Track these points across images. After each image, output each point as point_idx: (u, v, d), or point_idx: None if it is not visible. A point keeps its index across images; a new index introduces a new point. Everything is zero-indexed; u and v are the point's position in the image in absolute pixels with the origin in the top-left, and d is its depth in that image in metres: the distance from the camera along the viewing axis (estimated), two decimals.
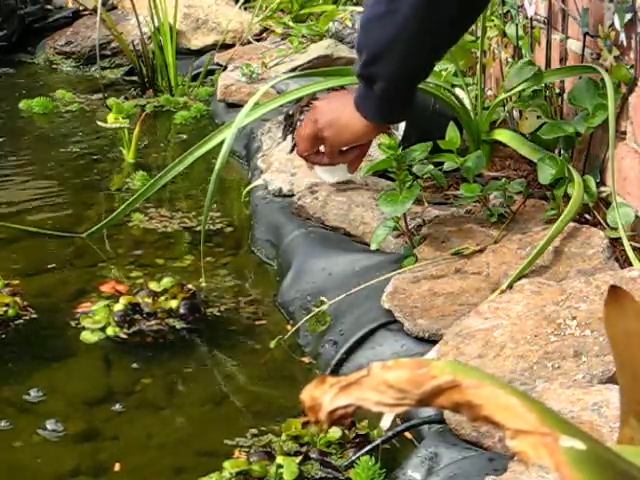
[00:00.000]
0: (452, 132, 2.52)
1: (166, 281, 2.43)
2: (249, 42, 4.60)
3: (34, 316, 2.39)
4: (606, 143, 2.37)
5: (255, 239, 2.82)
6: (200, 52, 4.88)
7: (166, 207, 3.13)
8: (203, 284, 2.56)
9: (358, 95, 2.25)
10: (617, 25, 2.27)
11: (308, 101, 3.18)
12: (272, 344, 2.25)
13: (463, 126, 2.74)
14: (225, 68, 4.32)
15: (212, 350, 2.31)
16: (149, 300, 2.36)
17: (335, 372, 2.12)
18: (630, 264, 2.13)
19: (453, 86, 2.92)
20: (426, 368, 0.55)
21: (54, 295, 2.56)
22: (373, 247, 2.32)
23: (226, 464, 1.78)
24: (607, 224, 2.30)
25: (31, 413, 2.03)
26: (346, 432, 1.85)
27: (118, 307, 2.34)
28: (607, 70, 2.33)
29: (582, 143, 2.53)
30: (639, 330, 0.71)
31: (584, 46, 2.51)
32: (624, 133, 2.33)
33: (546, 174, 2.42)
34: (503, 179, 2.47)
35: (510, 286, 2.04)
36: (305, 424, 1.87)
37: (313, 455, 1.81)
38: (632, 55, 2.26)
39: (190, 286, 2.43)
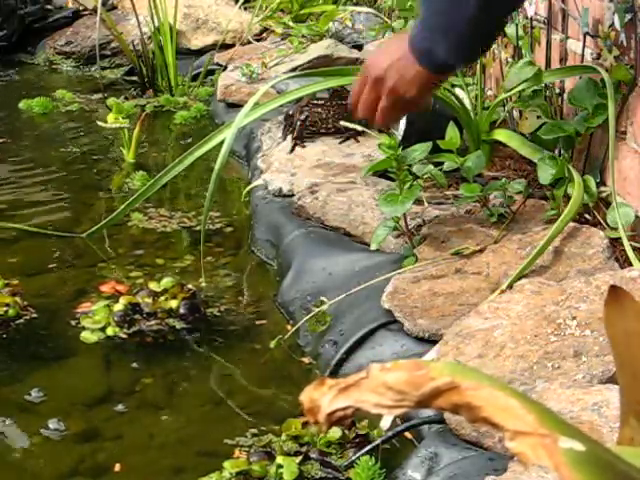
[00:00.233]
0: (452, 132, 2.52)
1: (166, 281, 2.43)
2: (249, 42, 4.60)
3: (34, 316, 2.39)
4: (606, 143, 2.37)
5: (255, 239, 2.82)
6: (200, 52, 4.88)
7: (166, 207, 3.13)
8: (203, 284, 2.56)
9: (412, 35, 2.01)
10: (617, 25, 2.27)
11: (308, 101, 3.18)
12: (272, 344, 2.25)
13: (463, 126, 2.74)
14: (225, 68, 4.32)
15: (212, 350, 2.31)
16: (149, 300, 2.36)
17: (335, 372, 2.12)
18: (630, 264, 2.13)
19: (453, 86, 2.92)
20: (425, 370, 0.55)
21: (54, 295, 2.56)
22: (373, 247, 2.32)
23: (226, 464, 1.78)
24: (607, 224, 2.30)
25: (32, 413, 2.03)
26: (346, 432, 1.85)
27: (118, 307, 2.34)
28: (607, 70, 2.33)
29: (582, 143, 2.53)
30: (639, 330, 0.71)
31: (584, 46, 2.51)
32: (624, 133, 2.33)
33: (546, 174, 2.42)
34: (503, 179, 2.47)
35: (510, 286, 2.04)
36: (305, 424, 1.87)
37: (313, 455, 1.81)
38: (632, 55, 2.26)
39: (190, 286, 2.43)
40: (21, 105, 4.27)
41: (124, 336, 2.29)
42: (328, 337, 2.20)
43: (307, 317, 2.26)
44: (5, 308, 2.35)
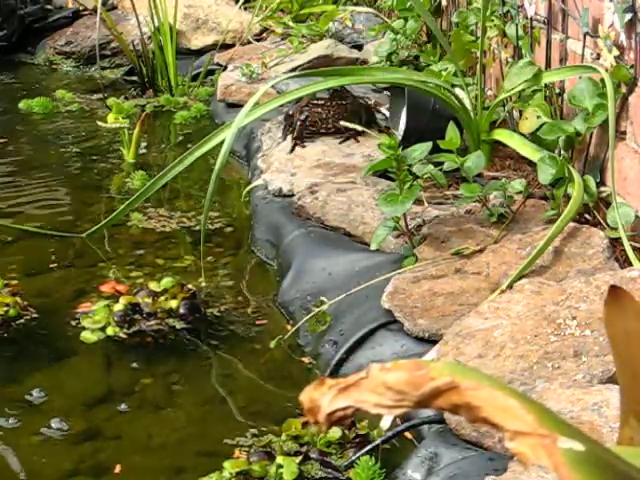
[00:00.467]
0: (452, 132, 2.52)
1: (166, 281, 2.43)
2: (249, 42, 4.60)
3: (35, 316, 2.39)
4: (606, 143, 2.37)
5: (255, 239, 2.82)
6: (200, 52, 4.88)
7: (165, 207, 3.13)
8: (203, 284, 2.56)
9: None
10: (617, 25, 2.27)
11: (308, 101, 3.18)
12: (272, 344, 2.25)
13: (463, 126, 2.74)
14: (225, 68, 4.32)
15: (212, 350, 2.31)
16: (149, 300, 2.36)
17: (335, 372, 2.12)
18: (630, 264, 2.13)
19: (453, 86, 2.92)
20: (425, 370, 0.55)
21: (54, 295, 2.56)
22: (373, 247, 2.32)
23: (226, 464, 1.78)
24: (607, 224, 2.30)
25: (34, 413, 2.03)
26: (346, 432, 1.85)
27: (118, 307, 2.34)
28: (607, 70, 2.33)
29: (582, 143, 2.53)
30: (639, 330, 0.71)
31: (584, 46, 2.50)
32: (624, 133, 2.33)
33: (546, 174, 2.42)
34: (503, 179, 2.47)
35: (510, 286, 2.04)
36: (305, 424, 1.87)
37: (313, 455, 1.81)
38: (632, 55, 2.26)
39: (190, 286, 2.43)
40: (21, 105, 4.27)
41: (124, 336, 2.29)
42: (328, 337, 2.20)
43: (307, 317, 2.26)
44: (6, 308, 2.35)
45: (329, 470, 1.79)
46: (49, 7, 5.47)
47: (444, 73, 3.13)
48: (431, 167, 2.51)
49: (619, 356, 0.73)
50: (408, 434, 1.86)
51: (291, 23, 4.54)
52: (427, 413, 1.82)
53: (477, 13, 3.07)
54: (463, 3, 3.51)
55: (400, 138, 2.78)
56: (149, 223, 2.99)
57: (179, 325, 2.33)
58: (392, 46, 3.76)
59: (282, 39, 4.48)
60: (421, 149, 2.35)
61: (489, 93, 3.26)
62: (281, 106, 2.83)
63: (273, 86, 3.24)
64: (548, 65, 2.78)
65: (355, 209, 2.58)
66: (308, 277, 2.42)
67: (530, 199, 2.44)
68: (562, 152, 2.56)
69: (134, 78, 4.65)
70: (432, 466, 1.70)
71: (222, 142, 2.61)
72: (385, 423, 1.86)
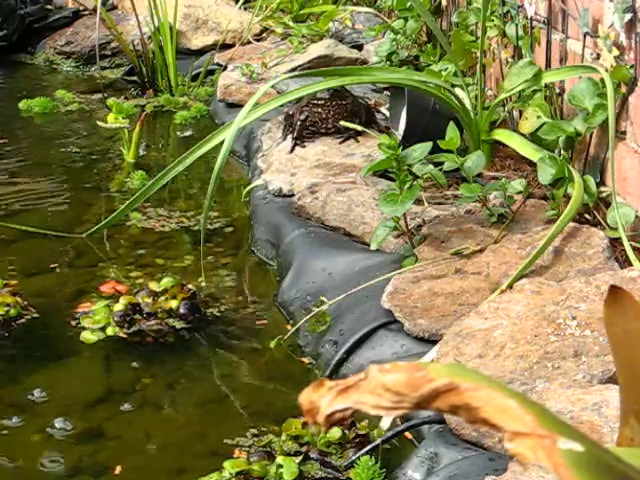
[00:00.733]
0: (452, 132, 2.52)
1: (166, 281, 2.43)
2: (249, 42, 4.60)
3: (35, 315, 2.40)
4: (606, 143, 2.37)
5: (255, 239, 2.82)
6: (200, 52, 4.87)
7: (165, 207, 3.13)
8: (203, 284, 2.56)
9: None
10: (617, 25, 2.27)
11: (308, 101, 3.18)
12: (272, 344, 2.25)
13: (463, 126, 2.74)
14: (225, 68, 4.31)
15: (212, 350, 2.31)
16: (149, 300, 2.36)
17: (335, 372, 2.12)
18: (630, 264, 2.13)
19: (453, 86, 2.92)
20: (423, 371, 0.55)
21: (54, 295, 2.56)
22: (373, 247, 2.32)
23: (226, 464, 1.78)
24: (607, 224, 2.30)
25: (35, 412, 2.03)
26: (346, 432, 1.85)
27: (118, 307, 2.34)
28: (607, 70, 2.33)
29: (582, 143, 2.53)
30: (639, 330, 0.71)
31: (584, 46, 2.51)
32: (624, 133, 2.33)
33: (546, 174, 2.42)
34: (503, 179, 2.47)
35: (510, 286, 2.04)
36: (305, 424, 1.87)
37: (313, 455, 1.81)
38: (632, 55, 2.26)
39: (190, 286, 2.43)
40: (21, 105, 4.27)
41: (124, 336, 2.29)
42: (328, 337, 2.20)
43: (307, 317, 2.26)
44: (6, 308, 2.35)
45: (329, 470, 1.79)
46: (49, 7, 5.47)
47: (444, 73, 3.13)
48: (431, 167, 2.51)
49: (619, 356, 0.73)
50: (408, 434, 1.86)
51: (291, 23, 4.54)
52: (427, 413, 1.82)
53: (477, 13, 3.07)
54: (463, 3, 3.51)
55: (400, 138, 2.78)
56: (148, 223, 2.99)
57: (179, 325, 2.33)
58: (392, 46, 3.76)
59: (282, 39, 4.48)
60: (421, 149, 2.35)
61: (489, 93, 3.26)
62: (281, 106, 2.83)
63: (273, 86, 3.23)
64: (548, 65, 2.78)
65: (355, 209, 2.58)
66: (308, 277, 2.42)
67: (530, 199, 2.44)
68: (562, 152, 2.56)
69: (134, 78, 4.65)
70: (432, 466, 1.70)
71: (222, 142, 2.61)
72: (385, 423, 1.86)
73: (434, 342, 1.98)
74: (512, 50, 3.02)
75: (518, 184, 2.42)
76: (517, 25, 2.90)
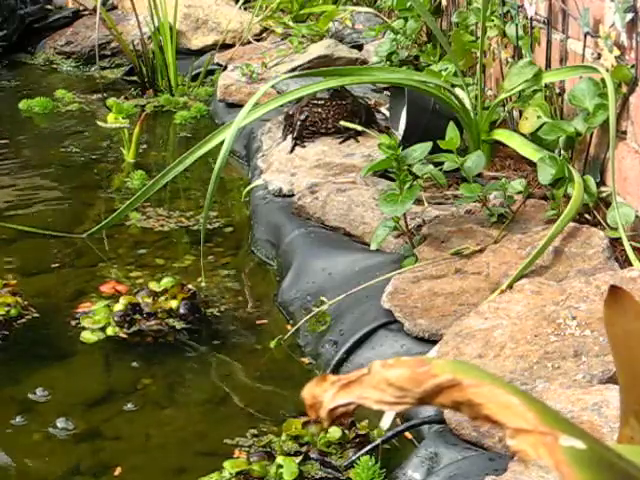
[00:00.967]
0: (452, 132, 2.52)
1: (166, 281, 2.43)
2: (249, 42, 4.60)
3: (36, 315, 2.40)
4: (606, 143, 2.37)
5: (255, 239, 2.82)
6: (200, 52, 4.87)
7: (164, 207, 3.13)
8: (203, 284, 2.56)
9: None
10: (618, 25, 2.27)
11: (308, 101, 3.18)
12: (272, 344, 2.25)
13: (463, 126, 2.74)
14: (225, 68, 4.31)
15: (212, 350, 2.31)
16: (149, 300, 2.36)
17: (335, 372, 2.12)
18: (630, 264, 2.13)
19: (453, 86, 2.92)
20: (427, 366, 0.55)
21: (54, 295, 2.56)
22: (373, 247, 2.32)
23: (226, 464, 1.78)
24: (607, 224, 2.30)
25: (37, 412, 2.03)
26: (346, 432, 1.84)
27: (118, 307, 2.34)
28: (608, 70, 2.33)
29: (582, 143, 2.53)
30: (639, 330, 0.71)
31: (584, 46, 2.51)
32: (624, 133, 2.33)
33: (546, 174, 2.42)
34: (503, 179, 2.47)
35: (510, 286, 2.04)
36: (305, 424, 1.87)
37: (313, 455, 1.81)
38: (633, 55, 2.26)
39: (190, 286, 2.43)
40: (21, 105, 4.27)
41: (124, 336, 2.29)
42: (328, 337, 2.20)
43: (307, 317, 2.26)
44: (7, 308, 2.35)
45: (329, 470, 1.79)
46: (49, 7, 5.47)
47: (444, 73, 3.13)
48: (431, 167, 2.51)
49: (619, 356, 0.73)
50: (408, 434, 1.86)
51: (291, 23, 4.54)
52: (427, 413, 1.82)
53: (477, 13, 3.07)
54: (463, 3, 3.51)
55: (400, 138, 2.78)
56: (148, 222, 2.99)
57: (179, 325, 2.33)
58: (392, 46, 3.76)
59: (282, 39, 4.48)
60: (421, 149, 2.35)
61: (489, 93, 3.26)
62: (281, 106, 2.83)
63: (273, 86, 3.23)
64: (548, 65, 2.78)
65: (355, 209, 2.58)
66: (308, 277, 2.42)
67: (530, 199, 2.44)
68: (562, 152, 2.56)
69: (134, 78, 4.65)
70: (432, 466, 1.70)
71: (222, 142, 2.61)
72: (385, 423, 1.86)
73: (434, 342, 1.98)
74: (512, 50, 3.02)
75: (518, 184, 2.42)
76: (517, 25, 2.90)
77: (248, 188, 3.06)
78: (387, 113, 3.28)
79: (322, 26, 4.33)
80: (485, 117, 2.80)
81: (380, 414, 1.87)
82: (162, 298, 2.37)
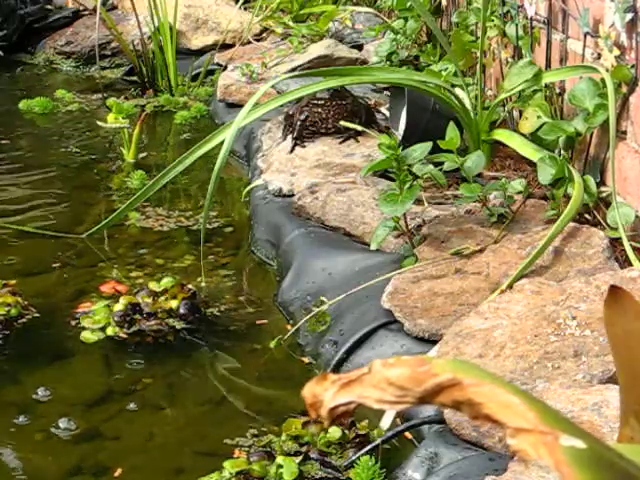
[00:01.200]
0: (452, 132, 2.52)
1: (166, 281, 2.43)
2: (249, 42, 4.60)
3: (36, 315, 2.40)
4: (606, 143, 2.37)
5: (255, 239, 2.82)
6: (200, 52, 4.87)
7: (164, 207, 3.13)
8: (203, 284, 2.56)
9: None
10: (618, 25, 2.27)
11: (308, 101, 3.18)
12: (272, 344, 2.25)
13: (463, 126, 2.74)
14: (225, 68, 4.31)
15: (212, 350, 2.31)
16: (149, 300, 2.36)
17: (335, 372, 2.12)
18: (630, 264, 2.13)
19: (453, 86, 2.92)
20: (427, 366, 0.55)
21: (54, 295, 2.56)
22: (373, 247, 2.32)
23: (226, 464, 1.78)
24: (607, 224, 2.30)
25: (38, 412, 2.03)
26: (346, 432, 1.84)
27: (118, 307, 2.34)
28: (608, 70, 2.33)
29: (582, 143, 2.53)
30: (639, 330, 0.71)
31: (584, 46, 2.51)
32: (624, 133, 2.33)
33: (546, 174, 2.42)
34: (503, 179, 2.47)
35: (510, 286, 2.04)
36: (305, 424, 1.87)
37: (313, 455, 1.81)
38: (633, 55, 2.26)
39: (190, 286, 2.43)
40: (21, 105, 4.27)
41: (124, 336, 2.29)
42: (328, 337, 2.20)
43: (307, 317, 2.26)
44: (7, 308, 2.35)
45: (329, 470, 1.79)
46: (49, 7, 5.47)
47: (444, 73, 3.13)
48: (431, 167, 2.51)
49: (619, 356, 0.73)
50: (408, 434, 1.86)
51: (291, 23, 4.54)
52: (427, 413, 1.82)
53: (477, 13, 3.07)
54: (463, 3, 3.51)
55: (400, 138, 2.78)
56: (147, 222, 2.99)
57: (179, 325, 2.33)
58: (392, 46, 3.76)
59: (282, 39, 4.48)
60: (421, 149, 2.35)
61: (489, 93, 3.26)
62: (281, 106, 2.83)
63: (273, 86, 3.23)
64: (548, 65, 2.78)
65: (355, 209, 2.58)
66: (308, 277, 2.42)
67: (530, 199, 2.44)
68: (562, 152, 2.56)
69: (134, 78, 4.65)
70: (432, 466, 1.70)
71: (222, 142, 2.61)
72: (385, 423, 1.86)
73: (434, 342, 1.98)
74: (512, 50, 3.02)
75: (518, 184, 2.42)
76: (517, 25, 2.90)
77: (248, 188, 3.06)
78: (387, 113, 3.28)
79: (322, 26, 4.33)
80: (485, 117, 2.80)
81: (380, 414, 1.87)
82: (162, 298, 2.37)
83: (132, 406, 2.05)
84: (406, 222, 2.35)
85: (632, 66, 2.27)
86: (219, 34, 4.88)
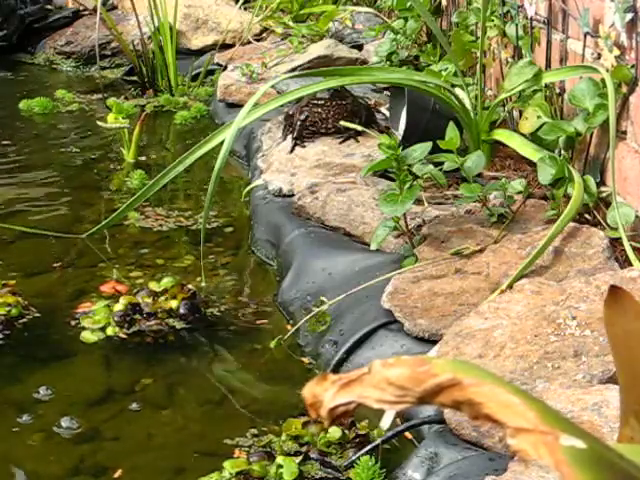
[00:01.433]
0: (452, 132, 2.52)
1: (166, 281, 2.43)
2: (249, 42, 4.60)
3: (36, 315, 2.40)
4: (606, 143, 2.37)
5: (255, 239, 2.82)
6: (200, 52, 4.88)
7: (164, 206, 3.13)
8: (203, 284, 2.56)
9: None
10: (618, 25, 2.27)
11: (308, 101, 3.18)
12: (272, 344, 2.25)
13: (463, 126, 2.74)
14: (225, 68, 4.32)
15: (212, 350, 2.31)
16: (149, 300, 2.36)
17: (335, 372, 2.11)
18: (630, 264, 2.13)
19: (453, 86, 2.92)
20: (427, 366, 0.55)
21: (54, 295, 2.56)
22: (373, 247, 2.32)
23: (226, 464, 1.78)
24: (607, 224, 2.30)
25: (35, 412, 2.03)
26: (346, 432, 1.84)
27: (118, 307, 2.34)
28: (608, 70, 2.33)
29: (582, 143, 2.53)
30: (639, 330, 0.71)
31: (584, 46, 2.51)
32: (624, 133, 2.33)
33: (546, 174, 2.42)
34: (503, 179, 2.47)
35: (510, 286, 2.04)
36: (305, 424, 1.87)
37: (313, 455, 1.81)
38: (633, 55, 2.26)
39: (190, 286, 2.43)
40: (21, 105, 4.27)
41: (124, 336, 2.29)
42: (328, 337, 2.20)
43: (307, 317, 2.26)
44: (8, 308, 2.35)
45: (329, 470, 1.79)
46: (49, 7, 5.47)
47: (444, 73, 3.13)
48: (431, 167, 2.51)
49: (619, 356, 0.73)
50: (408, 434, 1.86)
51: (291, 23, 4.54)
52: (427, 413, 1.82)
53: (477, 13, 3.07)
54: (463, 3, 3.51)
55: (400, 138, 2.78)
56: (147, 222, 2.99)
57: (179, 325, 2.33)
58: (392, 46, 3.76)
59: (282, 39, 4.48)
60: (421, 149, 2.35)
61: (489, 93, 3.26)
62: (281, 106, 2.83)
63: (273, 86, 3.24)
64: (548, 65, 2.78)
65: (355, 209, 2.58)
66: (308, 277, 2.42)
67: (530, 199, 2.44)
68: (562, 152, 2.56)
69: (134, 78, 4.65)
70: (432, 466, 1.70)
71: (222, 142, 2.61)
72: (385, 423, 1.86)
73: (434, 342, 1.98)
74: (512, 50, 3.02)
75: (518, 184, 2.42)
76: (517, 25, 2.90)
77: (248, 188, 3.06)
78: (387, 113, 3.28)
79: (322, 26, 4.33)
80: (485, 117, 2.80)
81: (380, 414, 1.87)
82: (162, 298, 2.37)
83: (132, 406, 2.05)
84: (406, 222, 2.35)
85: (632, 66, 2.27)
86: (219, 34, 4.88)
